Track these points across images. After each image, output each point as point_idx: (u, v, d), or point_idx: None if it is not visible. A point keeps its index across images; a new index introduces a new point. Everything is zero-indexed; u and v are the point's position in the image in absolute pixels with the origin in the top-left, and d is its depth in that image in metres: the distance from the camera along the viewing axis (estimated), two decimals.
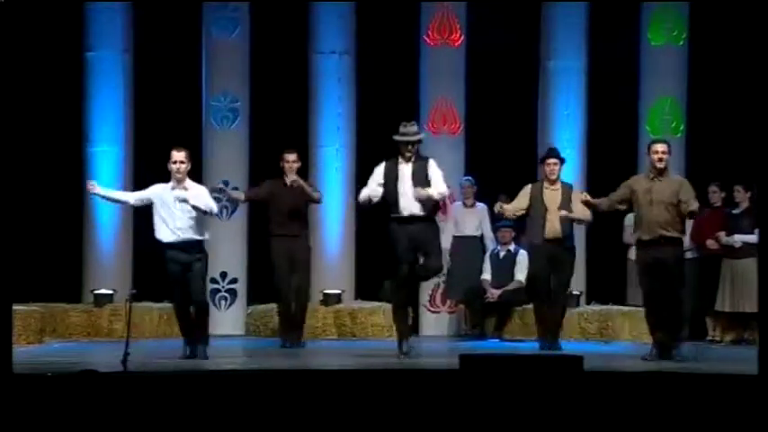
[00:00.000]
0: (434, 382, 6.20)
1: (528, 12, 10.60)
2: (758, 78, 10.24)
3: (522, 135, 10.76)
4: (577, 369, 5.66)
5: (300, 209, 9.02)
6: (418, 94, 10.61)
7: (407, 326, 8.32)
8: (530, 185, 8.94)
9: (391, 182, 8.04)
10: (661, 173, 7.96)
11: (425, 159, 8.13)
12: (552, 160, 8.81)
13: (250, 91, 10.51)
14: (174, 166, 7.78)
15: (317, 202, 9.23)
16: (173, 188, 7.83)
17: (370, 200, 8.13)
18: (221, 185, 9.11)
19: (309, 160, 10.56)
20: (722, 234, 9.70)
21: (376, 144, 10.63)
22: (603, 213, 8.61)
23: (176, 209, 7.77)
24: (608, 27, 10.55)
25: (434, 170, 8.06)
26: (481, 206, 10.21)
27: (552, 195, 8.74)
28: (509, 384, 5.53)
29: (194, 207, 7.72)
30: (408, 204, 7.98)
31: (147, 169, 10.55)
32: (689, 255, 9.86)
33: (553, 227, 8.66)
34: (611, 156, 10.34)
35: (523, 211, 8.88)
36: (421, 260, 8.09)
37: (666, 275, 7.91)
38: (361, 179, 9.69)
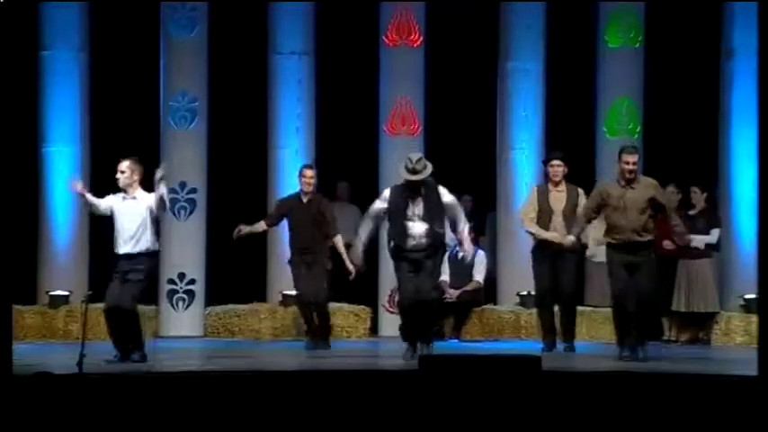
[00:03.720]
0: (394, 382, 6.20)
1: (486, 13, 10.63)
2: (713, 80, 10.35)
3: (480, 136, 10.80)
4: (536, 369, 5.69)
5: (318, 223, 8.98)
6: (378, 94, 10.61)
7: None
8: (535, 188, 9.02)
9: (400, 214, 7.86)
10: (630, 181, 8.02)
11: (435, 189, 7.92)
12: (556, 162, 8.80)
13: (208, 91, 10.45)
14: (120, 176, 7.78)
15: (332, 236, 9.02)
16: (123, 198, 7.80)
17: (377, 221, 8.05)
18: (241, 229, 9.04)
19: (268, 161, 10.52)
20: None
21: (335, 145, 10.66)
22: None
23: (126, 220, 7.71)
24: (565, 29, 10.62)
25: (456, 205, 7.95)
26: None
27: (557, 197, 8.76)
28: (468, 385, 5.54)
29: (161, 198, 7.69)
30: (416, 242, 7.84)
31: (103, 170, 10.47)
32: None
33: (557, 229, 8.68)
34: (568, 156, 10.40)
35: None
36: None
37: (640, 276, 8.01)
38: (320, 181, 9.68)
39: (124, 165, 7.75)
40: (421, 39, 10.52)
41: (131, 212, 7.71)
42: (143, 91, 10.50)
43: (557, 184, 8.81)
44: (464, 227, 8.06)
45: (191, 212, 10.40)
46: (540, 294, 8.97)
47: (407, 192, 7.89)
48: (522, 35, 10.45)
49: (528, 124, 10.48)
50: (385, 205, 7.99)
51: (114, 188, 7.98)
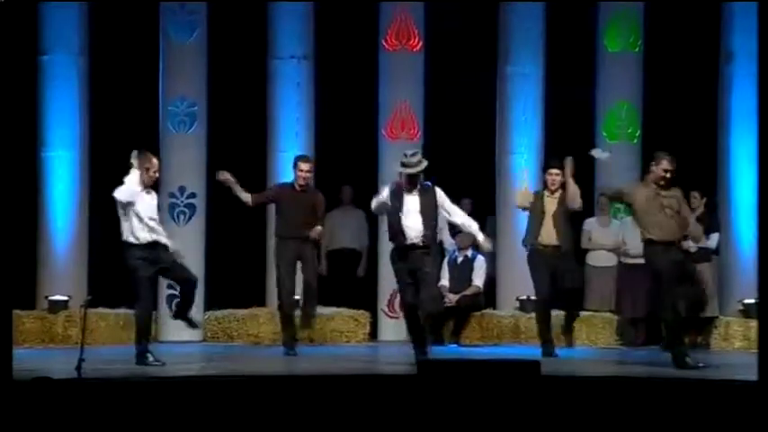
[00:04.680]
0: (393, 387, 6.19)
1: (485, 17, 10.64)
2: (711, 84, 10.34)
3: (480, 140, 10.81)
4: (535, 374, 5.68)
5: (310, 213, 8.92)
6: (377, 98, 10.61)
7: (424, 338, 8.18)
8: (534, 192, 9.01)
9: (395, 211, 7.97)
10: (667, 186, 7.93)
11: (431, 189, 8.05)
12: (554, 171, 8.79)
13: (208, 95, 10.45)
14: (156, 176, 7.91)
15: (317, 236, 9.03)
16: (143, 190, 7.85)
17: (381, 210, 8.17)
18: (227, 177, 8.88)
19: (268, 166, 10.52)
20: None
21: (335, 150, 10.67)
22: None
23: (154, 210, 7.85)
24: (565, 33, 10.63)
25: (446, 200, 8.03)
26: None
27: (552, 202, 8.77)
28: (467, 390, 5.54)
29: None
30: (412, 236, 7.92)
31: (102, 174, 10.47)
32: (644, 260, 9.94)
33: (548, 234, 8.69)
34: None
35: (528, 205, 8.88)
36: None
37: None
38: (319, 185, 9.70)
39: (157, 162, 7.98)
40: (420, 43, 10.53)
41: (153, 205, 7.90)
42: (142, 95, 10.50)
43: (553, 192, 8.82)
44: (469, 221, 8.16)
45: (190, 217, 10.40)
46: (540, 300, 8.92)
47: (404, 187, 7.98)
48: (521, 39, 10.46)
49: (527, 128, 10.48)
50: (385, 197, 8.08)
51: (111, 191, 8.02)
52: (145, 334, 7.86)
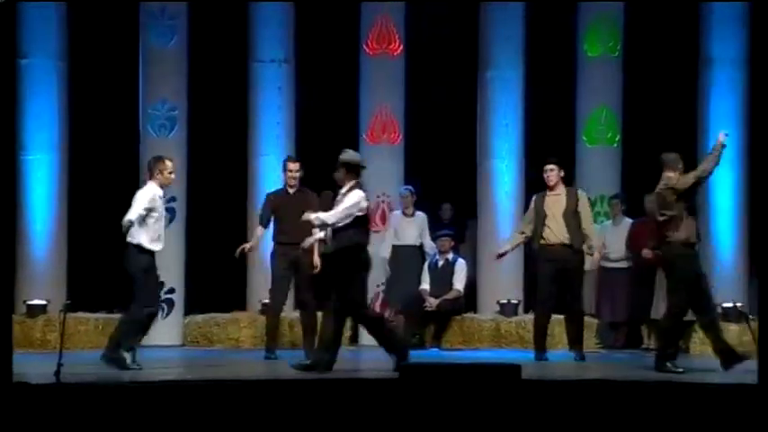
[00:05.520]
0: (374, 391, 6.19)
1: (466, 22, 10.67)
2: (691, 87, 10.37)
3: (461, 144, 10.83)
4: (515, 378, 5.69)
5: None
6: (358, 102, 10.62)
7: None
8: (534, 197, 8.93)
9: None
10: None
11: (352, 188, 7.54)
12: (549, 166, 8.75)
13: (188, 99, 10.44)
14: (172, 176, 7.88)
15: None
16: (161, 197, 7.83)
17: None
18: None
19: (248, 169, 10.51)
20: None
21: (316, 153, 10.65)
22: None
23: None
24: (545, 38, 10.67)
25: (349, 197, 7.50)
26: (421, 215, 10.24)
27: (554, 200, 8.69)
28: (448, 393, 5.54)
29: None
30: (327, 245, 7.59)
31: (82, 178, 10.43)
32: (624, 264, 10.00)
33: (553, 232, 8.62)
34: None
35: (525, 235, 8.81)
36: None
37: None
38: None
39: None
40: (401, 47, 10.54)
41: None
42: (122, 99, 10.47)
43: (552, 188, 8.77)
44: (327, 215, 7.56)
45: (170, 221, 10.33)
46: (540, 304, 8.84)
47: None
48: (501, 44, 10.48)
49: (508, 133, 10.50)
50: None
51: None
52: (136, 337, 7.82)
